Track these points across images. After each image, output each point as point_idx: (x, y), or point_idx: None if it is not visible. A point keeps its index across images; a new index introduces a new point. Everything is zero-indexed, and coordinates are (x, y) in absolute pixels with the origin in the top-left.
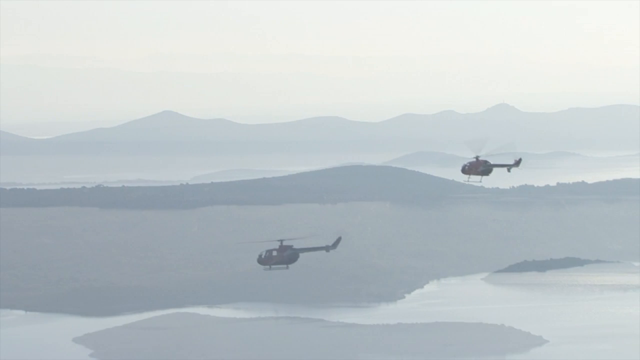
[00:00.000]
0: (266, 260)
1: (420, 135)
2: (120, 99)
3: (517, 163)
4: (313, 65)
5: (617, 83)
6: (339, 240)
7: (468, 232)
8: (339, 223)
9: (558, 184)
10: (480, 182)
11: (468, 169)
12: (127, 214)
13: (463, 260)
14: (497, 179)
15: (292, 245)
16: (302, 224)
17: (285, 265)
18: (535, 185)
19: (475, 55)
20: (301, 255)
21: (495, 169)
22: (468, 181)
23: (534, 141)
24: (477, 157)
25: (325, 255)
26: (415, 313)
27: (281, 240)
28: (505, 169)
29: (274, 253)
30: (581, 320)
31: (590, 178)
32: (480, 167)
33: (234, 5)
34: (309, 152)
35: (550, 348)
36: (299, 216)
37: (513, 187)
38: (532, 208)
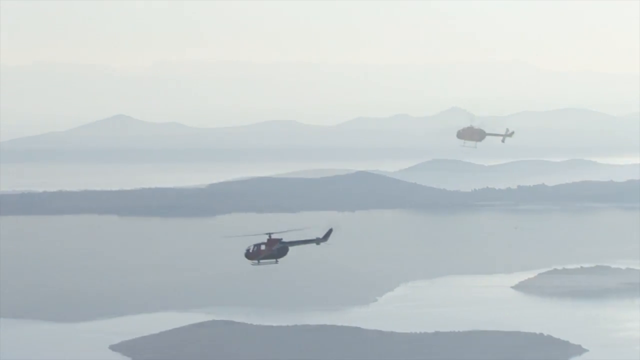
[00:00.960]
0: (254, 254)
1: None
2: (71, 102)
3: (510, 134)
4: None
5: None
6: (330, 232)
7: (490, 240)
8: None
9: (573, 190)
10: (475, 147)
11: (462, 134)
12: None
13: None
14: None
15: (282, 239)
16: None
17: (274, 260)
18: (549, 190)
19: (428, 62)
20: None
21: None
22: (463, 145)
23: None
24: (269, 235)
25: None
26: (457, 320)
27: (269, 234)
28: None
29: (262, 247)
30: (617, 326)
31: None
32: (475, 135)
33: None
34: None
35: (590, 356)
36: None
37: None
38: (550, 215)
